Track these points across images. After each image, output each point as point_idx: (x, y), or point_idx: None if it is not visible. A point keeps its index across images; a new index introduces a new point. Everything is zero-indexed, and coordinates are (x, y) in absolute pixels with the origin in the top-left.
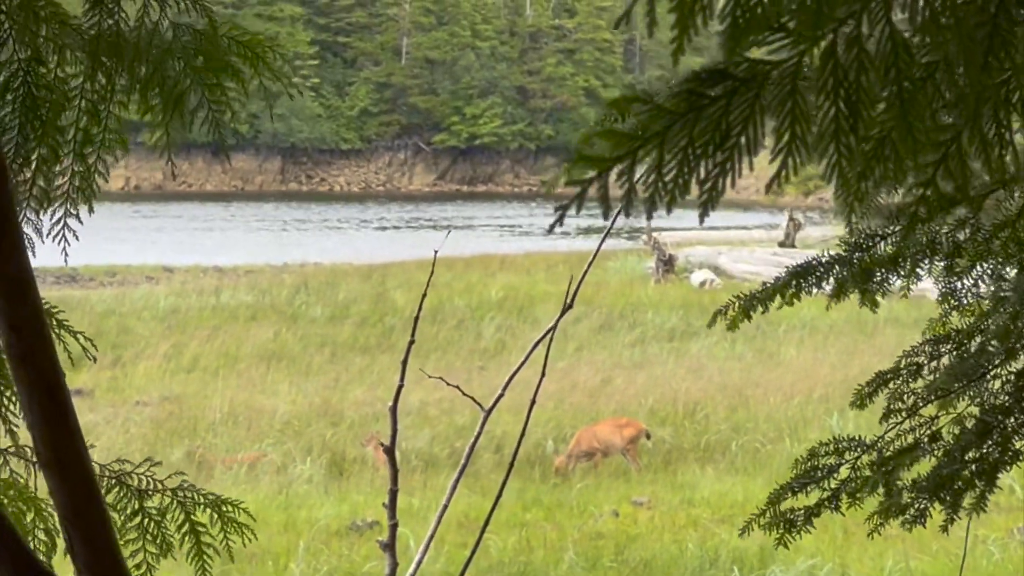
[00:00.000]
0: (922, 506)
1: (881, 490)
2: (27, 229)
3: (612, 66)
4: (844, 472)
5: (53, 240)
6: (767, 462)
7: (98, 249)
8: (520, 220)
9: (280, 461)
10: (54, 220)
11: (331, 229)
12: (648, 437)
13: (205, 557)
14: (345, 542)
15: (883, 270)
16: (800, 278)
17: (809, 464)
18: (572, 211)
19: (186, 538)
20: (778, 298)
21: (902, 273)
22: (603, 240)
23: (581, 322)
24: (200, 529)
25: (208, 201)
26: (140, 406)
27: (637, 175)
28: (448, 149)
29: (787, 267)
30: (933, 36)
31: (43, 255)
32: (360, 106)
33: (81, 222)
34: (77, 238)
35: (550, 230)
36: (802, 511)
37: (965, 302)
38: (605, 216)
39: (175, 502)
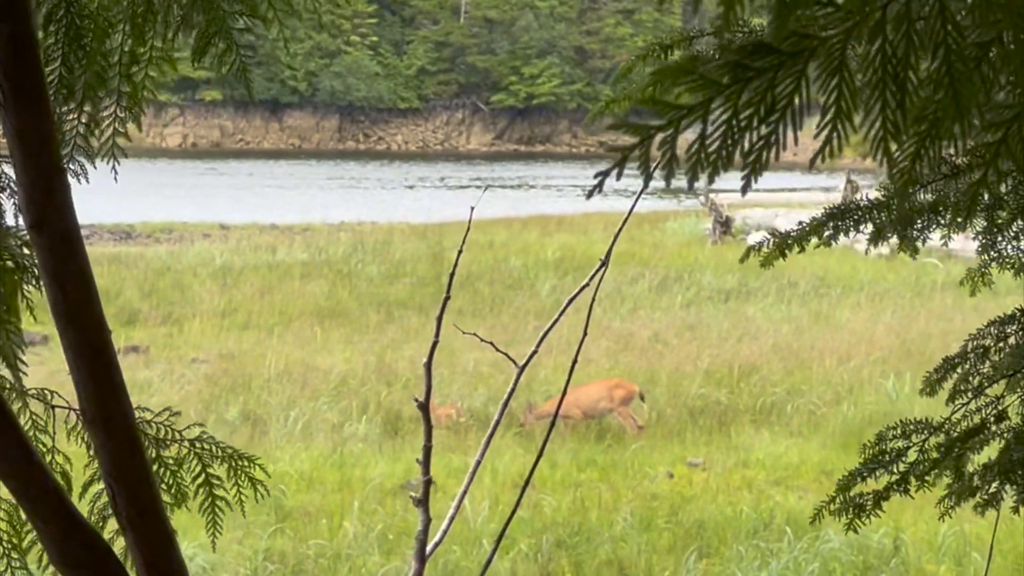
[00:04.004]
0: (993, 490)
1: (950, 473)
2: (78, 156)
3: (671, 27)
4: (912, 455)
5: (103, 160)
6: (823, 424)
7: (154, 205)
8: (578, 180)
9: (335, 419)
10: (103, 140)
11: (388, 188)
12: (642, 398)
13: (217, 510)
14: (399, 501)
15: (923, 218)
16: (837, 220)
17: (877, 448)
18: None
19: (200, 490)
20: (814, 238)
21: (942, 223)
22: (636, 201)
23: (637, 283)
24: (215, 482)
25: (265, 159)
26: (196, 363)
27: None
28: (506, 109)
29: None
30: (985, 15)
31: (99, 211)
32: (418, 65)
33: (130, 140)
34: (126, 156)
35: (589, 196)
36: (871, 495)
37: (1006, 255)
38: (645, 184)
39: (192, 453)
